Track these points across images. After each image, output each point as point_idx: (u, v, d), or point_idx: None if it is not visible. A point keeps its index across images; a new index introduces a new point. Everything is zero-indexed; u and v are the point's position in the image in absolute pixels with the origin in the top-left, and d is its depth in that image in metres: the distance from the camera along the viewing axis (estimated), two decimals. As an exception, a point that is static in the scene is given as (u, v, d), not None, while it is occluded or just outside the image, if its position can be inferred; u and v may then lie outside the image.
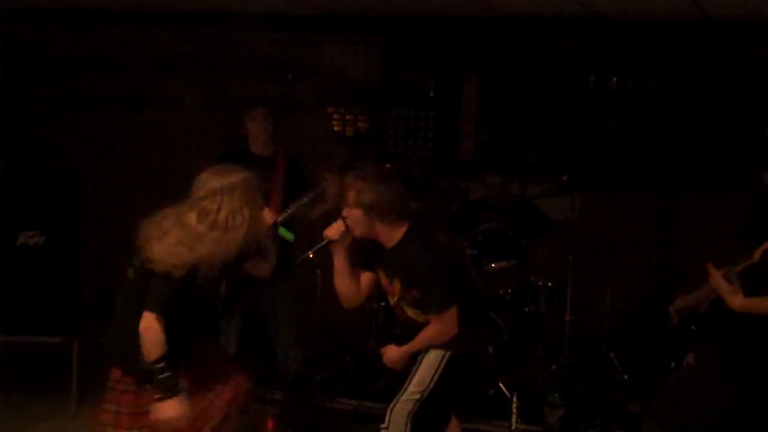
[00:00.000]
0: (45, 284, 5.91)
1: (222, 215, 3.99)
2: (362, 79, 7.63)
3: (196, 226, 3.99)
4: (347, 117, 7.71)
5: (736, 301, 4.05)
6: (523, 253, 6.36)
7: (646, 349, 6.56)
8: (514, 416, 5.67)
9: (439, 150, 7.61)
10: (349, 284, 4.36)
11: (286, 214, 5.47)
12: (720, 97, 6.97)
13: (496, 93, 7.47)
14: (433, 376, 4.18)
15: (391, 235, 4.15)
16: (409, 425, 4.13)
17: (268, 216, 4.28)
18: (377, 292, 5.86)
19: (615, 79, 7.18)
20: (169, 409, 3.94)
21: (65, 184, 6.27)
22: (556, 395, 5.90)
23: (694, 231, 6.92)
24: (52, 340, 5.88)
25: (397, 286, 4.20)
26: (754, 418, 4.20)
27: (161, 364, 3.90)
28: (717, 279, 4.08)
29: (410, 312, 4.22)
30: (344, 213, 4.16)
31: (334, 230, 4.22)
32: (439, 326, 4.14)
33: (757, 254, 4.02)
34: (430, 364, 4.20)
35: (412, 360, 4.27)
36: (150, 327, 3.89)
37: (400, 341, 4.34)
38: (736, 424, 4.20)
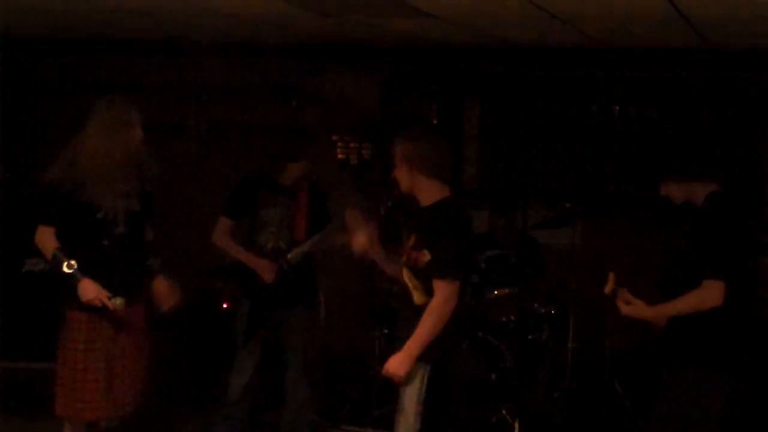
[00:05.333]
0: (50, 311, 5.92)
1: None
2: (365, 107, 7.67)
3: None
4: (351, 145, 7.75)
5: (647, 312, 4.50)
6: (525, 281, 6.36)
7: (649, 375, 6.55)
8: (516, 443, 5.68)
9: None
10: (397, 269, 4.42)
11: (300, 250, 5.48)
12: (721, 123, 7.00)
13: (498, 120, 7.51)
14: (419, 396, 4.08)
15: (431, 193, 4.17)
16: None
17: None
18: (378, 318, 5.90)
19: (617, 106, 7.22)
20: (84, 290, 4.44)
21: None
22: (559, 422, 5.90)
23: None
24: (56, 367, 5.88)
25: (422, 257, 4.11)
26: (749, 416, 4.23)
27: (56, 258, 4.46)
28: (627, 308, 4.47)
29: (416, 296, 4.14)
30: (394, 174, 4.24)
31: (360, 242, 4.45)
32: (441, 296, 4.00)
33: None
34: (412, 386, 4.07)
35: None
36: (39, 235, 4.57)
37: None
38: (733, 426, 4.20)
